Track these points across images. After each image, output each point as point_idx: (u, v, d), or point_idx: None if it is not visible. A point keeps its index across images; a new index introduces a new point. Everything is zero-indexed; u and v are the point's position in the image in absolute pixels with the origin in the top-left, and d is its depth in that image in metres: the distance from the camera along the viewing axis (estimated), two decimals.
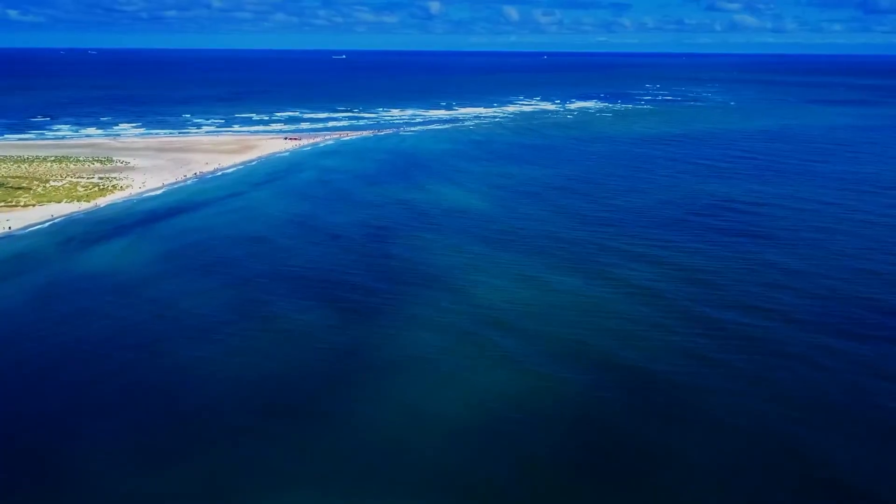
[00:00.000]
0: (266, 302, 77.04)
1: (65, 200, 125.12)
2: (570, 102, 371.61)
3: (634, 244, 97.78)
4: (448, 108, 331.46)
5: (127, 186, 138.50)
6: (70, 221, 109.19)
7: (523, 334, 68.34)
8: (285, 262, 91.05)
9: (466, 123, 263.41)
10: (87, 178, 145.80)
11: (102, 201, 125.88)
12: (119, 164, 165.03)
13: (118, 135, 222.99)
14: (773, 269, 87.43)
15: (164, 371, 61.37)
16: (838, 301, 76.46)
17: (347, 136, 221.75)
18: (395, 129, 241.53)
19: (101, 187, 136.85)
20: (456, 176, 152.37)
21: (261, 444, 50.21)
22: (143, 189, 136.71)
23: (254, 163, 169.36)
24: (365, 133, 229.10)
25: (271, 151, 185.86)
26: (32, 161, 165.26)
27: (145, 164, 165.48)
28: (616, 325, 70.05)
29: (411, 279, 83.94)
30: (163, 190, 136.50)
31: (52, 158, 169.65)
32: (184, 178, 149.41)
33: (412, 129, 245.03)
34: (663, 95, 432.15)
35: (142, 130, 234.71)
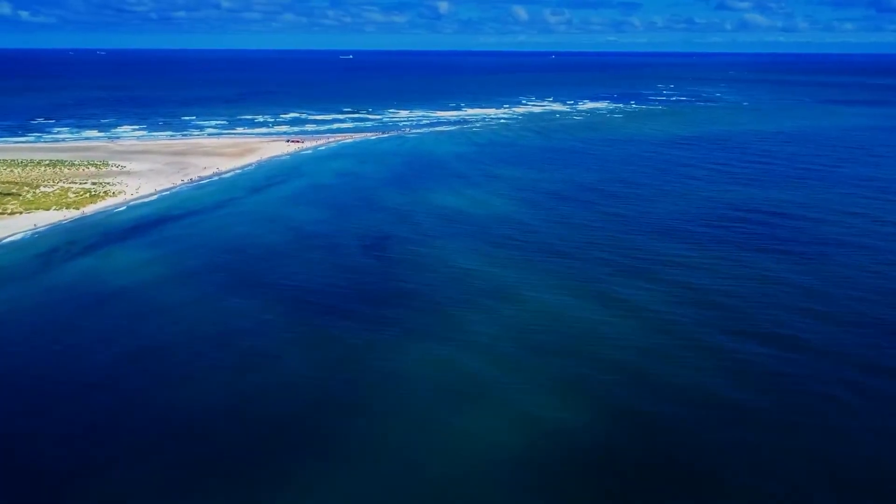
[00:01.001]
0: (245, 318, 71.64)
1: (53, 207, 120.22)
2: (581, 103, 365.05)
3: (643, 259, 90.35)
4: (456, 108, 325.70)
5: (119, 192, 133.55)
6: (54, 231, 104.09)
7: (516, 364, 62.59)
8: (274, 276, 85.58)
9: (474, 125, 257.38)
10: (80, 184, 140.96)
11: (92, 208, 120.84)
12: (115, 168, 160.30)
13: (118, 137, 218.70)
14: (796, 289, 79.82)
15: (127, 396, 56.22)
16: (871, 329, 69.34)
17: (351, 138, 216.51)
18: (400, 131, 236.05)
19: (93, 193, 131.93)
20: (460, 181, 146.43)
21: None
22: (135, 195, 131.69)
23: (253, 167, 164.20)
24: (369, 135, 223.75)
25: (272, 155, 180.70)
26: (26, 165, 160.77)
27: (142, 168, 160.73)
28: (621, 357, 62.83)
29: (405, 301, 78.16)
30: (156, 196, 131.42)
31: (47, 162, 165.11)
32: (179, 183, 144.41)
33: (418, 130, 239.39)
34: (675, 96, 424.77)
35: (143, 133, 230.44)
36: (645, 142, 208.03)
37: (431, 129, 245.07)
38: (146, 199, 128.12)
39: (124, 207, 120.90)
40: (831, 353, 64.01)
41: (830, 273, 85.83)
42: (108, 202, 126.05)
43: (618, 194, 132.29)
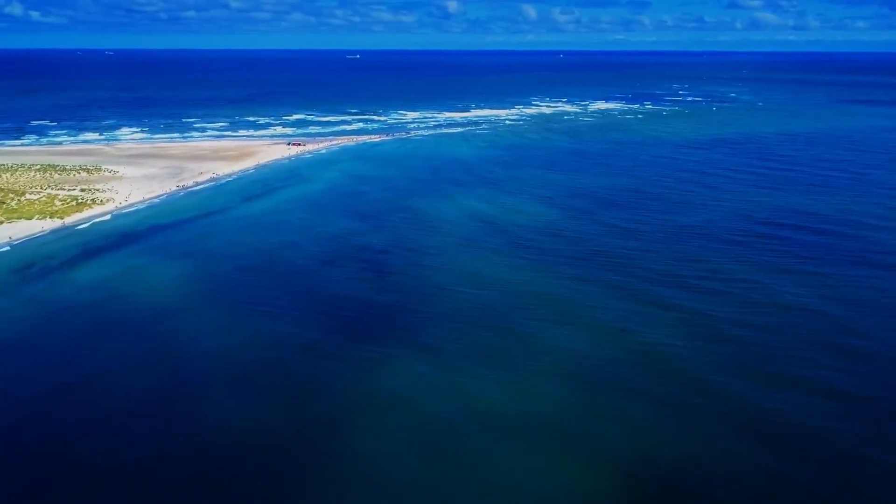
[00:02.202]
0: (218, 335, 64.50)
1: (36, 217, 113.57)
2: (591, 103, 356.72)
3: (660, 282, 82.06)
4: (464, 109, 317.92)
5: (108, 200, 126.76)
6: (30, 244, 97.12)
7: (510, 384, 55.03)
8: (263, 297, 78.44)
9: (482, 127, 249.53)
10: (68, 191, 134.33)
11: (77, 218, 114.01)
12: (107, 173, 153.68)
13: (117, 140, 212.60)
14: (827, 320, 70.32)
15: (85, 419, 49.19)
16: None
17: (355, 140, 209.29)
18: (406, 133, 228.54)
19: (80, 201, 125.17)
20: (464, 188, 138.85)
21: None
22: (123, 203, 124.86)
23: (250, 172, 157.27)
24: (374, 137, 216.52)
25: (271, 159, 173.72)
26: (17, 170, 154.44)
27: (135, 173, 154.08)
28: (634, 415, 53.84)
29: (402, 324, 70.86)
30: (145, 204, 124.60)
31: (38, 167, 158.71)
32: (172, 189, 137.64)
33: (425, 132, 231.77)
34: (688, 96, 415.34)
35: (143, 135, 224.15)
36: (663, 144, 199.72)
37: (438, 130, 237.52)
38: (134, 208, 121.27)
39: (109, 217, 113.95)
40: (870, 403, 54.92)
41: (867, 300, 75.84)
42: (95, 211, 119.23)
43: (629, 203, 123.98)
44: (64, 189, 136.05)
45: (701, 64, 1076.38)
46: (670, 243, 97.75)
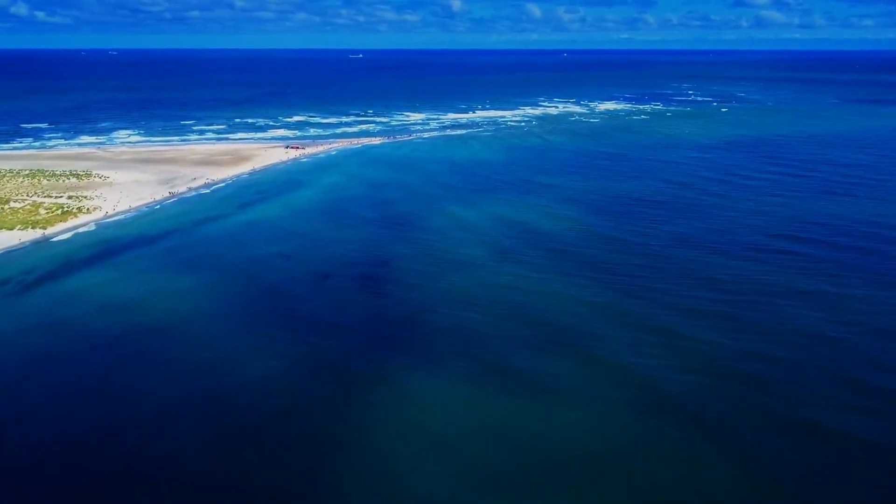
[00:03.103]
0: (198, 353, 58.79)
1: (18, 227, 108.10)
2: (597, 103, 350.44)
3: (668, 305, 75.45)
4: (467, 110, 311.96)
5: (95, 209, 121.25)
6: (6, 258, 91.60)
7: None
8: (253, 312, 72.75)
9: (486, 129, 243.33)
10: (55, 198, 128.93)
11: (60, 228, 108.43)
12: (97, 179, 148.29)
13: (112, 143, 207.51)
14: (857, 355, 62.89)
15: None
16: None
17: (355, 143, 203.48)
18: (408, 136, 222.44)
19: (66, 210, 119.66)
20: (469, 195, 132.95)
21: None
22: (111, 212, 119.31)
23: (245, 177, 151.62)
24: (374, 140, 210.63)
25: (268, 163, 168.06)
26: (4, 175, 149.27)
27: (126, 178, 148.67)
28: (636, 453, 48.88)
29: (403, 343, 65.10)
30: (133, 213, 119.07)
31: (27, 172, 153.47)
32: (163, 196, 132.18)
33: (427, 134, 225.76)
34: (695, 95, 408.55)
35: (140, 138, 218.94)
36: (672, 147, 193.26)
37: (442, 132, 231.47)
38: (121, 217, 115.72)
39: (94, 227, 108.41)
40: None
41: None
42: (80, 220, 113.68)
43: (635, 213, 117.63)
44: (51, 196, 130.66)
45: (707, 63, 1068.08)
46: (679, 259, 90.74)
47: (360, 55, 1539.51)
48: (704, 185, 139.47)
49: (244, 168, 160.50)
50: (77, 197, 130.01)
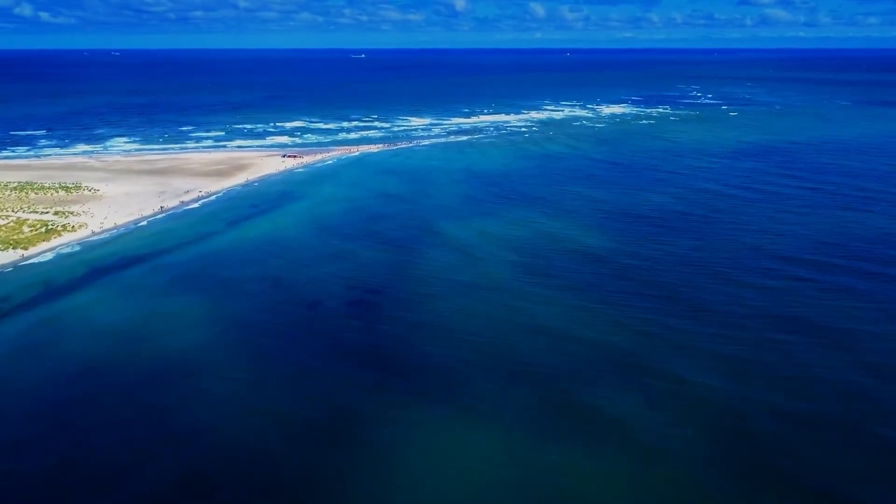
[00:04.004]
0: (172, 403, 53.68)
1: None
2: (603, 107, 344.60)
3: (670, 345, 70.63)
4: (470, 114, 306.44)
5: (81, 226, 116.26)
6: None
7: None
8: (228, 351, 67.62)
9: (490, 134, 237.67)
10: (41, 214, 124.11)
11: (43, 248, 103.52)
12: (87, 192, 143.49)
13: (106, 151, 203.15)
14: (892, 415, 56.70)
15: None
16: None
17: (353, 151, 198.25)
18: (409, 143, 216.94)
19: (50, 227, 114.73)
20: (475, 207, 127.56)
21: None
22: (97, 230, 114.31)
23: (239, 189, 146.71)
24: (374, 148, 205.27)
25: (264, 174, 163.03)
26: None
27: (117, 191, 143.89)
28: None
29: (406, 383, 59.88)
30: (120, 230, 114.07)
31: (14, 185, 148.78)
32: (152, 211, 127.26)
33: (429, 141, 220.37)
34: (701, 97, 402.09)
35: (135, 146, 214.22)
36: (680, 155, 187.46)
37: (445, 139, 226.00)
38: (107, 235, 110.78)
39: (77, 247, 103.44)
40: None
41: None
42: (64, 239, 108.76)
43: (639, 231, 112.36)
44: (37, 212, 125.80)
45: (711, 62, 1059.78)
46: (683, 287, 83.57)
47: (363, 55, 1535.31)
48: (713, 200, 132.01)
49: (238, 179, 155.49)
50: (64, 213, 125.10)
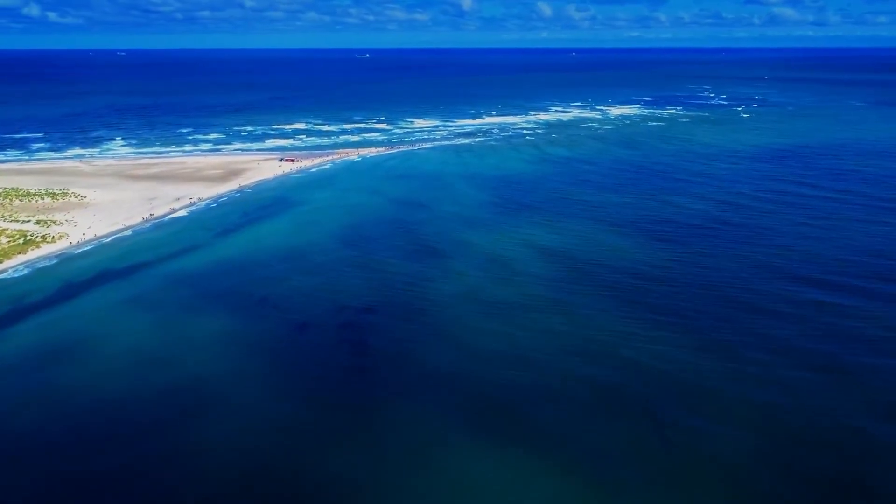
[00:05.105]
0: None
1: None
2: (611, 108, 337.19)
3: (671, 389, 64.33)
4: (476, 116, 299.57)
5: (61, 236, 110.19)
6: None
7: None
8: (207, 372, 61.25)
9: (496, 137, 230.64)
10: (22, 223, 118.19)
11: (19, 261, 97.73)
12: (73, 199, 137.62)
13: (101, 155, 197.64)
14: None
15: None
16: None
17: (353, 154, 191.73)
18: (411, 146, 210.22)
19: (30, 238, 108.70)
20: (480, 214, 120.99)
21: None
22: (79, 241, 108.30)
23: (233, 194, 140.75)
24: (374, 151, 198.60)
25: (259, 179, 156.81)
26: None
27: (105, 198, 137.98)
28: None
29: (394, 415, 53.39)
30: (102, 241, 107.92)
31: (0, 191, 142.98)
32: (139, 221, 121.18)
33: (433, 144, 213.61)
34: (712, 98, 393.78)
35: (130, 149, 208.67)
36: (692, 159, 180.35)
37: (449, 142, 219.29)
38: (88, 247, 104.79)
39: (55, 261, 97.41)
40: None
41: None
42: (42, 251, 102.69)
43: (654, 251, 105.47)
44: (18, 221, 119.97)
45: (719, 62, 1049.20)
46: (691, 314, 75.55)
47: (367, 55, 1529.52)
48: (725, 212, 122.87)
49: (232, 185, 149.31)
50: (46, 222, 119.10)
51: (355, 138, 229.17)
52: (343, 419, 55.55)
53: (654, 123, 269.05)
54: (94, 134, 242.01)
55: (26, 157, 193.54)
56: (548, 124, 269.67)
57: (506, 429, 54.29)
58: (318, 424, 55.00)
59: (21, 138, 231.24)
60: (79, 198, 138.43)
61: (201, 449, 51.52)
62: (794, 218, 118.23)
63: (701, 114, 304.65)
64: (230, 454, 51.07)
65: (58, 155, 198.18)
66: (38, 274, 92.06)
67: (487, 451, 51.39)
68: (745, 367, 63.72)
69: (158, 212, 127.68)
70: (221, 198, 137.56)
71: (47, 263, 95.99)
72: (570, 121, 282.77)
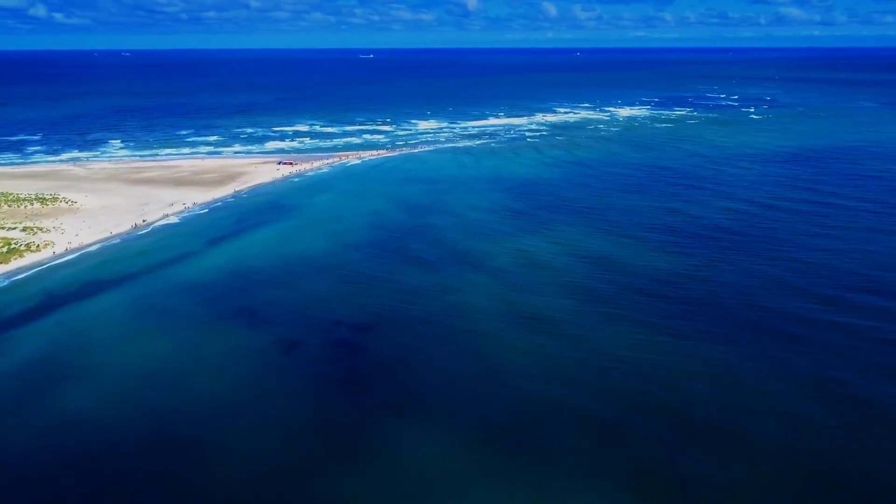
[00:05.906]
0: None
1: None
2: (618, 108, 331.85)
3: (670, 436, 59.39)
4: (479, 117, 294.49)
5: (46, 245, 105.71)
6: None
7: None
8: (192, 399, 56.52)
9: (501, 140, 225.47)
10: (7, 230, 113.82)
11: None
12: (63, 204, 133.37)
13: (99, 157, 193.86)
14: None
15: None
16: None
17: (356, 157, 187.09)
18: (414, 148, 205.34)
19: (13, 246, 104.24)
20: (483, 220, 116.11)
21: None
22: (65, 249, 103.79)
23: (227, 200, 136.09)
24: (375, 154, 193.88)
25: (255, 183, 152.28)
26: None
27: (96, 203, 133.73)
28: None
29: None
30: (88, 250, 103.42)
31: None
32: (129, 228, 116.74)
33: (436, 146, 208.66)
34: (719, 99, 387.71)
35: (127, 152, 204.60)
36: (701, 163, 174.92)
37: (453, 144, 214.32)
38: (73, 256, 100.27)
39: (38, 271, 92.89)
40: None
41: None
42: (25, 261, 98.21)
43: (656, 267, 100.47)
44: (4, 228, 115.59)
45: (725, 62, 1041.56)
46: (693, 338, 69.23)
47: (371, 55, 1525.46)
48: (733, 222, 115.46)
49: (228, 190, 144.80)
50: (33, 229, 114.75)
51: (357, 140, 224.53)
52: (338, 437, 50.77)
53: (663, 125, 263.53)
54: (93, 136, 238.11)
55: (20, 161, 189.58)
56: (554, 126, 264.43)
57: (509, 448, 49.50)
58: (312, 442, 50.28)
59: (17, 140, 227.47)
60: (69, 203, 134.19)
61: (185, 466, 46.88)
62: (809, 228, 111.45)
63: (710, 115, 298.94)
64: (218, 473, 46.33)
65: (53, 158, 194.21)
66: (17, 287, 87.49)
67: (488, 472, 46.63)
68: (764, 399, 58.61)
69: (150, 218, 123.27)
70: (216, 203, 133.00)
71: (27, 274, 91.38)
72: (576, 122, 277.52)
